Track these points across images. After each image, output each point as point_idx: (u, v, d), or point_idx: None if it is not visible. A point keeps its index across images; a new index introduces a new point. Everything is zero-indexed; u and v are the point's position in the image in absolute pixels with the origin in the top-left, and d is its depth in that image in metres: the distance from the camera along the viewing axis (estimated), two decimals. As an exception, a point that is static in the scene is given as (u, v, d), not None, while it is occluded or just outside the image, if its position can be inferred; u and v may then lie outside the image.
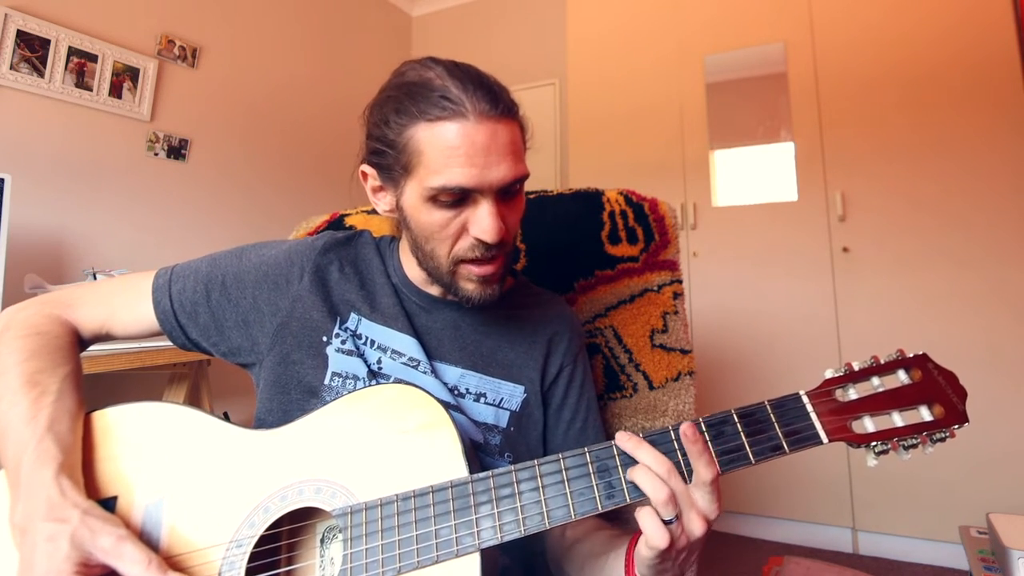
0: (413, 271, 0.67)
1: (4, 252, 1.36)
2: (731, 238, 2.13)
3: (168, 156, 2.07)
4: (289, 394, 0.61)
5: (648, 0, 2.35)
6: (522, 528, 0.47)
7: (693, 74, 2.24)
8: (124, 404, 0.55)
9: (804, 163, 2.04)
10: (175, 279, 0.65)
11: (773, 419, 0.48)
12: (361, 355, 0.62)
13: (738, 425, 0.48)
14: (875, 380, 0.50)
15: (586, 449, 0.49)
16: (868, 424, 0.49)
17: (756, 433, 0.48)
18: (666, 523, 0.44)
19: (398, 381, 0.59)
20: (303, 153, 2.63)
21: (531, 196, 0.92)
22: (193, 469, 0.52)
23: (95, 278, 1.53)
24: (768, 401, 0.49)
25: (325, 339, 0.62)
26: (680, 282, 0.89)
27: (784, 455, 0.47)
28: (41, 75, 1.72)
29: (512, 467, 0.49)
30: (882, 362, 0.50)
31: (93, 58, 1.85)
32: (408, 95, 0.56)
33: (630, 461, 0.48)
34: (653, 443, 0.48)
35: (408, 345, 0.63)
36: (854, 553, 1.92)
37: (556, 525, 0.47)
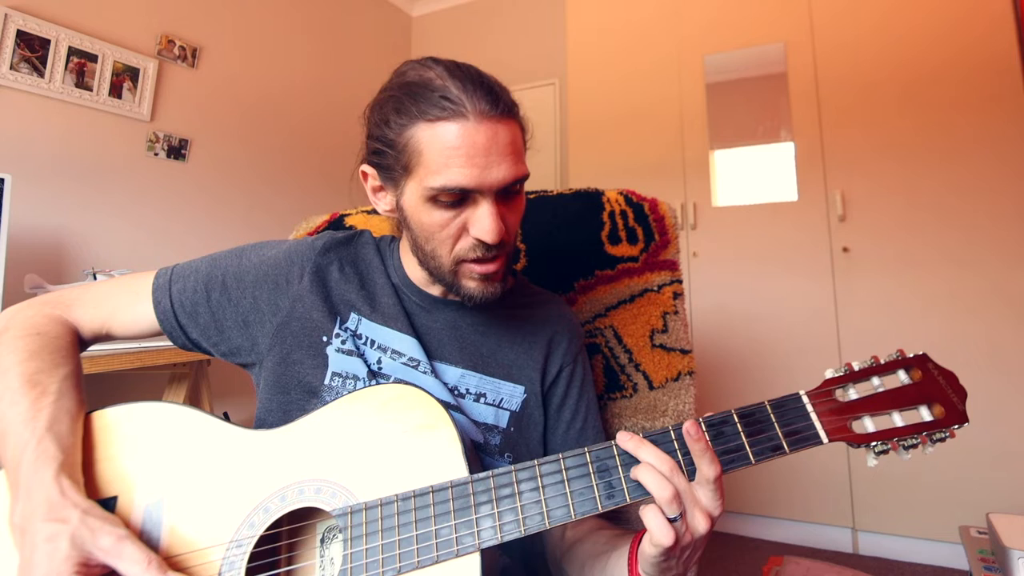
0: (413, 271, 0.67)
1: (4, 252, 1.36)
2: (731, 238, 2.13)
3: (168, 156, 2.07)
4: (289, 394, 0.61)
5: (648, 0, 2.35)
6: (522, 528, 0.47)
7: (693, 74, 2.24)
8: (124, 404, 0.55)
9: (804, 163, 2.04)
10: (175, 279, 0.65)
11: (773, 419, 0.48)
12: (361, 355, 0.62)
13: (738, 425, 0.48)
14: (875, 380, 0.50)
15: (586, 449, 0.49)
16: (868, 424, 0.49)
17: (756, 433, 0.48)
18: (671, 521, 0.44)
19: (398, 381, 0.59)
20: (303, 153, 2.63)
21: (531, 196, 0.92)
22: (193, 469, 0.52)
23: (95, 278, 1.53)
24: (768, 401, 0.49)
25: (325, 339, 0.62)
26: (680, 282, 0.89)
27: (784, 455, 0.47)
28: (41, 75, 1.72)
29: (512, 467, 0.49)
30: (882, 362, 0.50)
31: (93, 58, 1.85)
32: (408, 95, 0.56)
33: (630, 461, 0.48)
34: (654, 443, 0.48)
35: (408, 345, 0.63)
36: (854, 553, 1.92)
37: (556, 525, 0.47)
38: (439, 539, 0.46)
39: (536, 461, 0.49)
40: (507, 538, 0.46)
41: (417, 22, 3.40)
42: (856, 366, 0.50)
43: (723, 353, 2.11)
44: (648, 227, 0.90)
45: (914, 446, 0.47)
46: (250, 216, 2.37)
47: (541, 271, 0.90)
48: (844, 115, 1.99)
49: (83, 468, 0.51)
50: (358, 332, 0.64)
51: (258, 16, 2.45)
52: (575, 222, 0.91)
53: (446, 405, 0.53)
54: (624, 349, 0.86)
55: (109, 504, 0.50)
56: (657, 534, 0.44)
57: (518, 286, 0.75)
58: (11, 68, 1.65)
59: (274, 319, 0.64)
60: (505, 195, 0.58)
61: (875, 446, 0.48)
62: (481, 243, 0.57)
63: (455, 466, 0.49)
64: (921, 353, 0.50)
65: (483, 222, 0.56)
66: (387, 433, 0.51)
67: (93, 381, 1.06)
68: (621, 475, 0.48)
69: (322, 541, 0.54)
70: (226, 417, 0.57)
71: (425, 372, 0.62)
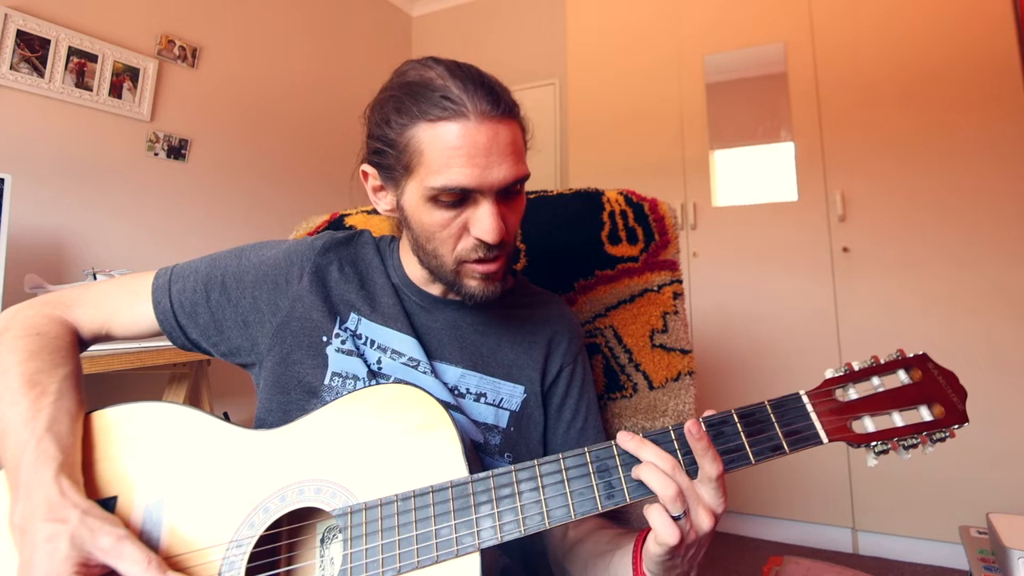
0: (413, 271, 0.67)
1: (4, 252, 1.36)
2: (731, 238, 2.13)
3: (168, 156, 2.07)
4: (289, 394, 0.61)
5: (648, 0, 2.35)
6: (522, 528, 0.46)
7: (693, 74, 2.24)
8: (124, 404, 0.55)
9: (804, 163, 2.04)
10: (175, 279, 0.65)
11: (773, 419, 0.48)
12: (361, 355, 0.62)
13: (738, 425, 0.48)
14: (875, 380, 0.50)
15: (586, 449, 0.49)
16: (868, 424, 0.49)
17: (756, 433, 0.48)
18: (675, 519, 0.44)
19: (398, 381, 0.59)
20: (303, 153, 2.63)
21: (531, 196, 0.92)
22: (193, 469, 0.52)
23: (95, 278, 1.53)
24: (768, 401, 0.49)
25: (325, 339, 0.62)
26: (680, 282, 0.89)
27: (784, 455, 0.47)
28: (41, 75, 1.72)
29: (512, 467, 0.49)
30: (882, 362, 0.50)
31: (93, 58, 1.85)
32: (409, 95, 0.56)
33: (630, 461, 0.48)
34: (655, 443, 0.48)
35: (408, 345, 0.63)
36: (854, 553, 1.92)
37: (556, 525, 0.47)
38: (439, 539, 0.46)
39: (536, 461, 0.49)
40: (507, 538, 0.46)
41: (417, 22, 3.40)
42: (856, 366, 0.50)
43: (723, 353, 2.11)
44: (648, 227, 0.90)
45: (914, 446, 0.47)
46: (250, 216, 2.37)
47: (541, 271, 0.90)
48: (844, 115, 1.99)
49: (83, 468, 0.51)
50: (358, 332, 0.64)
51: (258, 16, 2.45)
52: (575, 222, 0.91)
53: (446, 405, 0.53)
54: (624, 349, 0.86)
55: (109, 504, 0.50)
56: (662, 533, 0.44)
57: (518, 286, 0.75)
58: (11, 68, 1.65)
59: (274, 319, 0.64)
60: (506, 195, 0.58)
61: (875, 446, 0.48)
62: (482, 243, 0.57)
63: (455, 466, 0.49)
64: (921, 353, 0.50)
65: (484, 222, 0.56)
66: (387, 433, 0.51)
67: (93, 381, 1.06)
68: (621, 475, 0.48)
69: (322, 541, 0.54)
70: (226, 417, 0.57)
71: (425, 372, 0.62)
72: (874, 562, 1.85)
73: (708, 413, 0.49)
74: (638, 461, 0.47)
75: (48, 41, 1.74)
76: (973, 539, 1.44)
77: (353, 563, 0.47)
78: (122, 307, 0.64)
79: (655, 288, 0.88)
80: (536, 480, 0.48)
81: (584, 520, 0.56)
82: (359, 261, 0.69)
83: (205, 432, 0.54)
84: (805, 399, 0.49)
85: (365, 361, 0.62)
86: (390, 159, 0.58)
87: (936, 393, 0.48)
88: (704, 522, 0.45)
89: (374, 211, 0.98)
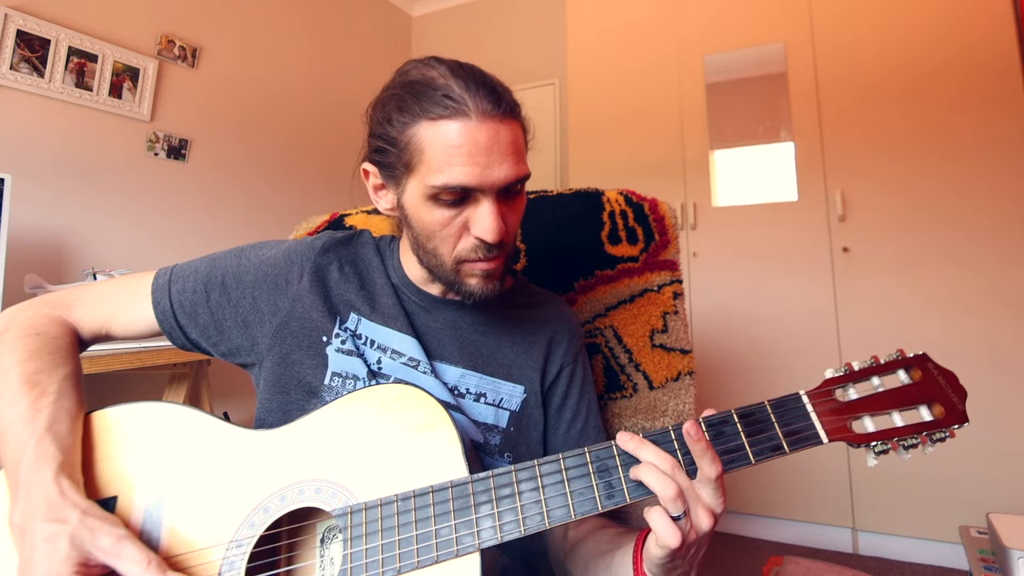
0: (413, 270, 0.67)
1: (4, 252, 1.36)
2: (731, 238, 2.13)
3: (168, 156, 2.07)
4: (289, 394, 0.61)
5: (648, 0, 2.35)
6: (522, 528, 0.46)
7: (693, 74, 2.24)
8: (124, 404, 0.55)
9: (804, 163, 2.04)
10: (175, 279, 0.65)
11: (773, 419, 0.48)
12: (361, 355, 0.62)
13: (738, 425, 0.48)
14: (875, 380, 0.50)
15: (586, 449, 0.49)
16: (868, 424, 0.49)
17: (756, 433, 0.48)
18: (675, 519, 0.44)
19: (398, 381, 0.59)
20: (303, 153, 2.63)
21: (531, 196, 0.92)
22: (193, 469, 0.52)
23: (95, 278, 1.53)
24: (768, 401, 0.49)
25: (325, 339, 0.62)
26: (680, 282, 0.89)
27: (784, 455, 0.47)
28: (41, 75, 1.72)
29: (512, 467, 0.49)
30: (882, 362, 0.50)
31: (93, 58, 1.85)
32: (411, 93, 0.56)
33: (630, 461, 0.48)
34: (654, 443, 0.48)
35: (408, 345, 0.63)
36: (854, 553, 1.92)
37: (556, 525, 0.47)
38: (439, 539, 0.46)
39: (536, 461, 0.49)
40: (507, 538, 0.46)
41: (417, 22, 3.40)
42: (856, 366, 0.50)
43: (723, 353, 2.11)
44: (648, 227, 0.90)
45: (914, 446, 0.47)
46: (250, 216, 2.37)
47: (541, 271, 0.90)
48: (844, 115, 1.99)
49: (83, 468, 0.51)
50: (358, 332, 0.64)
51: (258, 16, 2.45)
52: (575, 222, 0.91)
53: (446, 405, 0.53)
54: (624, 349, 0.86)
55: (109, 504, 0.50)
56: (663, 535, 0.44)
57: (518, 286, 0.75)
58: (11, 68, 1.65)
59: (273, 319, 0.64)
60: (506, 194, 0.58)
61: (875, 446, 0.48)
62: (482, 243, 0.57)
63: (455, 466, 0.49)
64: (921, 353, 0.50)
65: (484, 221, 0.56)
66: (387, 433, 0.51)
67: (93, 381, 1.06)
68: (621, 475, 0.48)
69: (322, 541, 0.54)
70: (226, 417, 0.57)
71: (425, 372, 0.62)
72: (874, 562, 1.85)
73: (708, 413, 0.49)
74: (638, 461, 0.47)
75: (48, 41, 1.74)
76: (973, 539, 1.44)
77: (353, 563, 0.47)
78: (122, 307, 0.64)
79: (655, 288, 0.88)
80: (536, 480, 0.48)
81: (585, 520, 0.56)
82: (359, 261, 0.69)
83: (205, 432, 0.54)
84: (805, 399, 0.49)
85: (365, 361, 0.62)
86: (391, 157, 0.58)
87: (936, 393, 0.48)
88: (704, 522, 0.45)
89: (374, 211, 0.98)
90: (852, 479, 1.92)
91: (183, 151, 2.12)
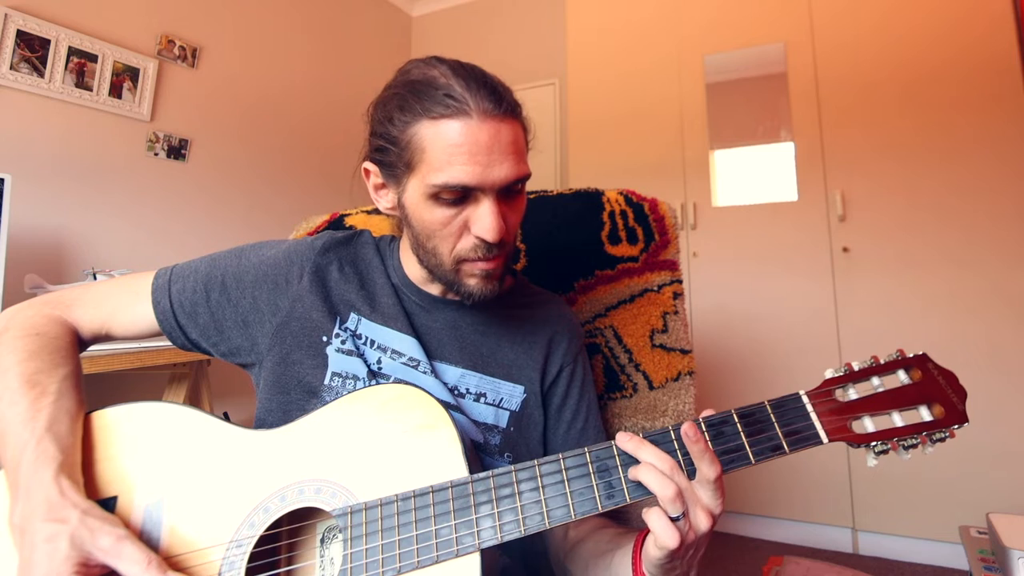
0: (413, 270, 0.67)
1: (4, 252, 1.36)
2: (731, 238, 2.13)
3: (168, 156, 2.07)
4: (289, 394, 0.61)
5: (648, 0, 2.35)
6: (522, 528, 0.46)
7: (693, 74, 2.24)
8: (124, 404, 0.55)
9: (804, 163, 2.04)
10: (174, 279, 0.65)
11: (773, 419, 0.48)
12: (361, 355, 0.62)
13: (738, 425, 0.48)
14: (875, 380, 0.50)
15: (586, 449, 0.49)
16: (868, 424, 0.49)
17: (756, 433, 0.48)
18: (674, 520, 0.44)
19: (398, 381, 0.59)
20: (303, 153, 2.63)
21: (531, 196, 0.92)
22: (193, 469, 0.52)
23: (95, 278, 1.53)
24: (768, 401, 0.49)
25: (325, 339, 0.62)
26: (680, 282, 0.89)
27: (784, 455, 0.47)
28: (41, 75, 1.72)
29: (512, 467, 0.49)
30: (882, 362, 0.50)
31: (93, 58, 1.85)
32: (412, 93, 0.56)
33: (630, 461, 0.48)
34: (654, 443, 0.48)
35: (408, 345, 0.63)
36: (854, 553, 1.92)
37: (556, 525, 0.47)
38: (439, 539, 0.46)
39: (536, 461, 0.49)
40: (507, 538, 0.46)
41: (417, 22, 3.40)
42: (856, 366, 0.50)
43: (723, 353, 2.11)
44: (648, 227, 0.90)
45: (914, 446, 0.47)
46: (250, 216, 2.37)
47: (541, 271, 0.90)
48: (844, 115, 1.99)
49: (83, 468, 0.51)
50: (358, 332, 0.64)
51: (258, 16, 2.45)
52: (575, 222, 0.91)
53: (446, 405, 0.53)
54: (624, 349, 0.86)
55: (109, 504, 0.50)
56: (662, 536, 0.44)
57: (518, 286, 0.75)
58: (11, 68, 1.65)
59: (274, 319, 0.64)
60: (507, 194, 0.58)
61: (875, 446, 0.48)
62: (482, 242, 0.57)
63: (455, 466, 0.49)
64: (921, 353, 0.50)
65: (485, 220, 0.56)
66: (387, 433, 0.51)
67: (93, 381, 1.06)
68: (621, 475, 0.48)
69: (322, 541, 0.54)
70: (226, 417, 0.57)
71: (425, 372, 0.62)
72: (874, 562, 1.85)
73: (707, 413, 0.49)
74: (638, 461, 0.47)
75: (48, 41, 1.74)
76: (973, 539, 1.44)
77: (353, 563, 0.47)
78: (122, 307, 0.64)
79: (655, 288, 0.88)
80: (536, 480, 0.48)
81: (584, 520, 0.56)
82: (359, 261, 0.69)
83: (205, 432, 0.54)
84: (805, 399, 0.49)
85: (365, 361, 0.62)
86: (392, 156, 0.58)
87: (936, 393, 0.48)
88: (702, 523, 0.45)
89: (374, 211, 0.98)
90: (852, 479, 1.92)
91: (183, 151, 2.12)
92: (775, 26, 2.12)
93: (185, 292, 0.64)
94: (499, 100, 0.55)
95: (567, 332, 0.72)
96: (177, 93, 2.11)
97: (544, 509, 0.47)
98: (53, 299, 0.62)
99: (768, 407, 0.49)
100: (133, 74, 1.95)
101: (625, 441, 0.48)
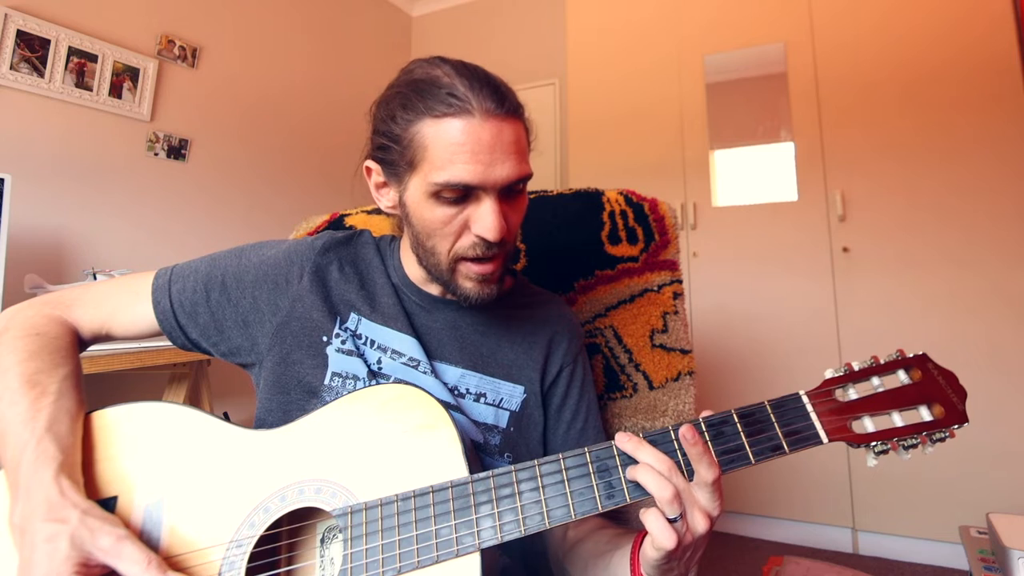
0: (413, 270, 0.67)
1: (4, 252, 1.36)
2: (731, 238, 2.13)
3: (168, 156, 2.07)
4: (289, 394, 0.61)
5: (648, 0, 2.35)
6: (522, 528, 0.46)
7: (693, 74, 2.24)
8: (124, 404, 0.55)
9: (804, 163, 2.04)
10: (175, 279, 0.65)
11: (773, 419, 0.48)
12: (361, 355, 0.62)
13: (738, 425, 0.48)
14: (875, 380, 0.50)
15: (586, 449, 0.49)
16: (868, 424, 0.49)
17: (756, 433, 0.48)
18: (671, 521, 0.44)
19: (398, 381, 0.59)
20: (303, 153, 2.63)
21: (531, 196, 0.92)
22: (193, 469, 0.52)
23: (95, 278, 1.53)
24: (768, 401, 0.49)
25: (325, 339, 0.62)
26: (680, 282, 0.89)
27: (784, 455, 0.47)
28: (41, 75, 1.72)
29: (512, 467, 0.49)
30: (882, 362, 0.50)
31: (93, 58, 1.85)
32: (415, 91, 0.56)
33: (630, 461, 0.48)
34: (654, 443, 0.48)
35: (408, 345, 0.63)
36: (854, 553, 1.92)
37: (556, 525, 0.47)
38: (439, 539, 0.46)
39: (536, 461, 0.49)
40: (507, 538, 0.46)
41: (417, 22, 3.40)
42: (856, 366, 0.50)
43: (723, 353, 2.11)
44: (648, 227, 0.90)
45: (914, 446, 0.47)
46: (250, 216, 2.37)
47: (541, 271, 0.90)
48: (844, 115, 1.99)
49: (83, 468, 0.51)
50: (358, 332, 0.64)
51: (258, 16, 2.45)
52: (575, 222, 0.91)
53: (446, 405, 0.53)
54: (624, 349, 0.86)
55: (109, 504, 0.50)
56: (659, 537, 0.44)
57: (518, 286, 0.75)
58: (11, 68, 1.65)
59: (274, 319, 0.64)
60: (508, 194, 0.58)
61: (875, 446, 0.48)
62: (482, 241, 0.57)
63: (455, 466, 0.49)
64: (921, 353, 0.50)
65: (486, 219, 0.56)
66: (387, 433, 0.51)
67: (93, 381, 1.06)
68: (621, 475, 0.48)
69: (322, 541, 0.54)
70: (226, 417, 0.57)
71: (425, 372, 0.62)
72: (874, 562, 1.85)
73: (707, 413, 0.49)
74: (638, 462, 0.47)
75: (48, 41, 1.74)
76: (973, 539, 1.44)
77: (353, 563, 0.47)
78: (122, 307, 0.64)
79: (655, 288, 0.88)
80: (536, 480, 0.48)
81: (584, 520, 0.56)
82: (359, 261, 0.69)
83: (205, 432, 0.54)
84: (805, 399, 0.49)
85: (365, 361, 0.62)
86: (394, 155, 0.58)
87: (936, 393, 0.48)
88: (700, 524, 0.45)
89: (374, 211, 0.98)
90: (852, 479, 1.92)
91: (183, 151, 2.12)
92: (775, 26, 2.12)
93: (185, 292, 0.64)
94: (502, 100, 0.55)
95: (567, 332, 0.72)
96: (177, 93, 2.11)
97: (544, 509, 0.47)
98: (53, 299, 0.62)
99: (768, 407, 0.49)
100: (133, 74, 1.95)
101: (624, 441, 0.48)
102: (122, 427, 0.54)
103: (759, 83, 2.16)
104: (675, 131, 2.26)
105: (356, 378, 0.61)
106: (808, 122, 2.04)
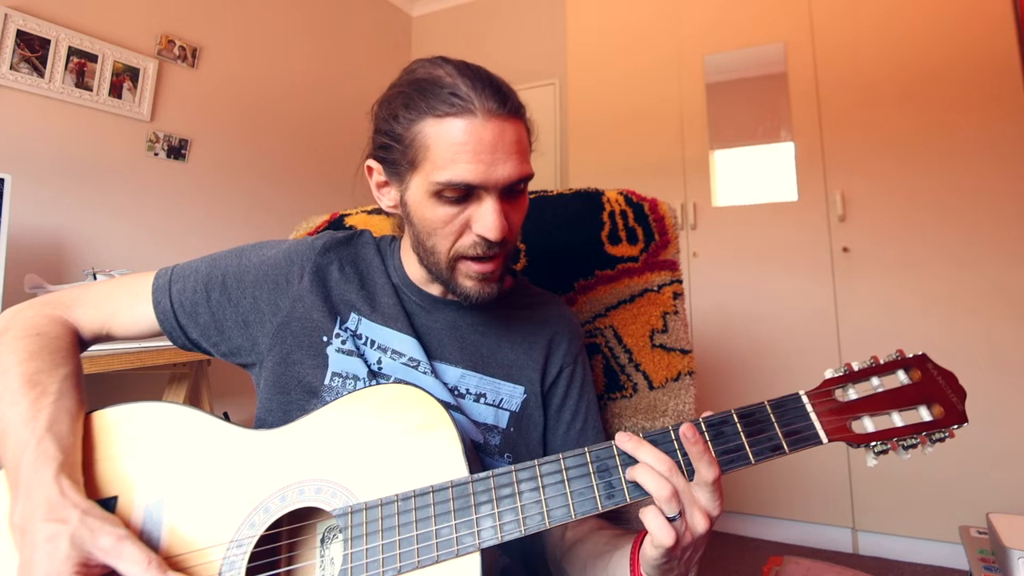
0: (413, 270, 0.67)
1: (4, 252, 1.36)
2: (731, 238, 2.13)
3: (168, 156, 2.07)
4: (289, 394, 0.61)
5: (648, 0, 2.35)
6: (522, 528, 0.47)
7: (693, 74, 2.24)
8: (124, 404, 0.55)
9: (804, 163, 2.04)
10: (175, 279, 0.65)
11: (773, 419, 0.48)
12: (361, 355, 0.62)
13: (738, 425, 0.48)
14: (875, 380, 0.50)
15: (586, 449, 0.49)
16: (868, 424, 0.49)
17: (756, 433, 0.48)
18: (670, 520, 0.44)
19: (398, 381, 0.59)
20: (303, 153, 2.63)
21: (531, 196, 0.92)
22: (193, 469, 0.52)
23: (95, 278, 1.53)
24: (768, 401, 0.49)
25: (325, 339, 0.62)
26: (680, 282, 0.89)
27: (784, 455, 0.47)
28: (41, 75, 1.72)
29: (512, 467, 0.49)
30: (882, 362, 0.50)
31: (93, 58, 1.85)
32: (418, 91, 0.56)
33: (630, 461, 0.48)
34: (654, 443, 0.48)
35: (408, 345, 0.63)
36: (854, 553, 1.92)
37: (556, 525, 0.47)
38: (439, 539, 0.46)
39: (536, 461, 0.49)
40: (507, 538, 0.46)
41: (417, 22, 3.40)
42: (856, 366, 0.50)
43: (723, 353, 2.11)
44: (648, 227, 0.90)
45: (914, 446, 0.47)
46: (250, 216, 2.37)
47: (541, 271, 0.90)
48: (844, 115, 1.99)
49: (83, 468, 0.51)
50: (358, 332, 0.64)
51: (258, 16, 2.45)
52: (575, 222, 0.91)
53: (446, 405, 0.53)
54: (624, 349, 0.86)
55: (109, 504, 0.50)
56: (658, 535, 0.44)
57: (518, 286, 0.75)
58: (11, 68, 1.65)
59: (274, 319, 0.64)
60: (509, 193, 0.58)
61: (875, 446, 0.48)
62: (483, 240, 0.57)
63: (455, 466, 0.49)
64: (921, 353, 0.50)
65: (487, 219, 0.56)
66: (387, 433, 0.51)
67: (93, 381, 1.06)
68: (621, 475, 0.48)
69: (322, 541, 0.54)
70: (226, 417, 0.57)
71: (425, 372, 0.62)
72: (874, 562, 1.86)
73: (707, 414, 0.49)
74: (638, 462, 0.47)
75: (48, 41, 1.74)
76: (973, 539, 1.44)
77: (353, 563, 0.47)
78: (122, 307, 0.64)
79: (655, 288, 0.88)
80: (536, 480, 0.48)
81: (583, 521, 0.56)
82: (359, 261, 0.69)
83: (205, 432, 0.54)
84: (805, 399, 0.49)
85: (365, 361, 0.62)
86: (396, 154, 0.58)
87: (935, 393, 0.48)
88: (699, 524, 0.45)
89: (375, 211, 0.98)
90: (852, 479, 1.92)
91: (183, 151, 2.12)
92: (775, 26, 2.12)
93: (185, 292, 0.64)
94: (504, 100, 0.55)
95: (567, 333, 0.72)
96: (177, 93, 2.11)
97: (544, 509, 0.47)
98: (53, 299, 0.62)
99: (768, 407, 0.49)
100: (133, 74, 1.95)
101: (624, 441, 0.48)
102: (122, 427, 0.54)
103: (759, 83, 2.16)
104: (675, 131, 2.26)
105: (356, 378, 0.61)
106: (808, 122, 2.04)
